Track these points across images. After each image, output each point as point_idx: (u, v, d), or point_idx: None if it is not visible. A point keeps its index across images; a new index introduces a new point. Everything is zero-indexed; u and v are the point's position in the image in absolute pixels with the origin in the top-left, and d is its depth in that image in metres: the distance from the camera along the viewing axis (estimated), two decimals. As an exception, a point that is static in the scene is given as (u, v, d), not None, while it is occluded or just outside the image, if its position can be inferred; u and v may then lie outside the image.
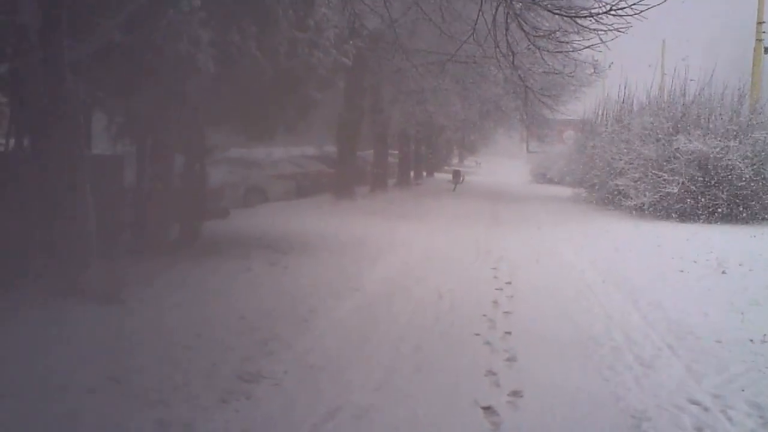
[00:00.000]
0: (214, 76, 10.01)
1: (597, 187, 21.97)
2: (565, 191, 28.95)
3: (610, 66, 18.07)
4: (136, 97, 10.21)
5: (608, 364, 6.20)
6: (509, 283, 10.01)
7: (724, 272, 10.53)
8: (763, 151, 17.74)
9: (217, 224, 14.84)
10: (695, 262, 11.51)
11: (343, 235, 14.28)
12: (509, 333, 7.31)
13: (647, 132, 19.22)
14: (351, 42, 14.62)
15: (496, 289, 9.59)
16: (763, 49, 24.84)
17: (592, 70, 18.43)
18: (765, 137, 17.83)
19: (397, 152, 31.13)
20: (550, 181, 38.64)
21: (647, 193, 18.17)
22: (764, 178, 17.60)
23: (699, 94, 19.46)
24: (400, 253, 12.24)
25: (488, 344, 6.90)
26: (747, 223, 17.35)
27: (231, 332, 6.88)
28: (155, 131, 11.71)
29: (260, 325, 7.15)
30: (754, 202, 17.64)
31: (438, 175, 41.60)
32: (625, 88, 23.10)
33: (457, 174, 33.42)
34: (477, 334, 7.22)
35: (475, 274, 10.69)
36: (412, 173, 33.63)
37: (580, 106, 28.95)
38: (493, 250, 13.10)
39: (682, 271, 10.69)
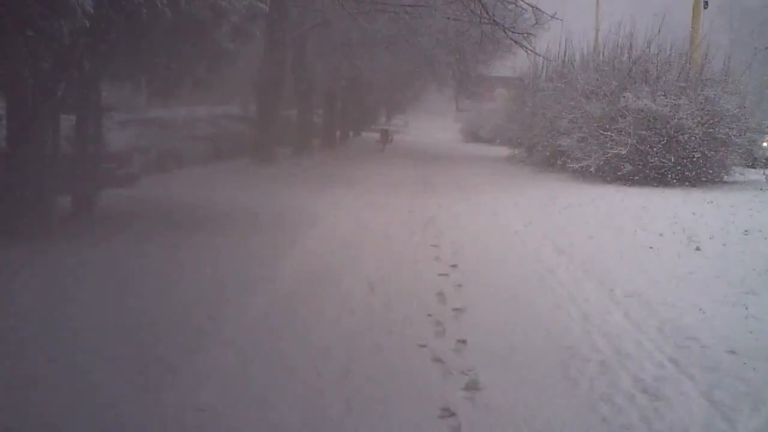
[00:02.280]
0: (93, 17, 8.03)
1: (538, 148, 20.53)
2: (500, 151, 27.50)
3: (553, 15, 16.44)
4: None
5: (601, 394, 4.66)
6: (454, 266, 8.46)
7: (698, 248, 9.19)
8: (713, 110, 16.53)
9: (122, 194, 13.00)
10: (661, 235, 10.15)
11: (261, 206, 12.52)
12: (463, 342, 5.71)
13: (592, 89, 17.80)
14: (269, -17, 12.68)
15: (440, 274, 8.03)
16: (702, 3, 23.91)
17: (534, 22, 16.83)
18: (715, 94, 16.62)
19: (321, 111, 29.22)
20: (482, 140, 37.28)
21: (593, 154, 16.81)
22: (715, 138, 16.44)
23: (647, 48, 18.08)
24: (323, 230, 10.54)
25: (439, 362, 5.28)
26: (696, 185, 16.22)
27: (92, 359, 5.07)
28: (25, 83, 9.61)
29: (137, 345, 5.37)
30: (704, 164, 16.51)
31: (365, 135, 39.88)
32: (566, 42, 21.65)
33: (385, 134, 31.82)
34: (423, 346, 5.60)
35: (412, 255, 9.10)
36: (338, 133, 31.82)
37: (515, 62, 27.57)
38: (430, 222, 11.54)
39: (651, 248, 9.29)
